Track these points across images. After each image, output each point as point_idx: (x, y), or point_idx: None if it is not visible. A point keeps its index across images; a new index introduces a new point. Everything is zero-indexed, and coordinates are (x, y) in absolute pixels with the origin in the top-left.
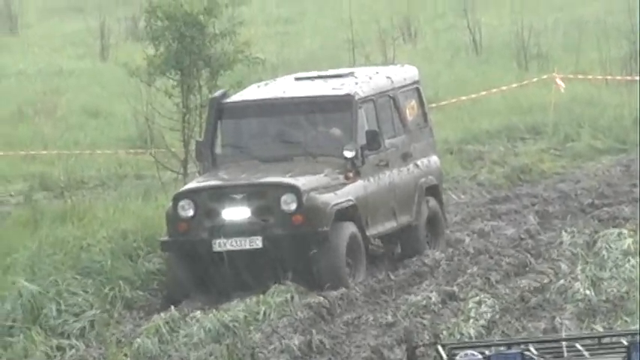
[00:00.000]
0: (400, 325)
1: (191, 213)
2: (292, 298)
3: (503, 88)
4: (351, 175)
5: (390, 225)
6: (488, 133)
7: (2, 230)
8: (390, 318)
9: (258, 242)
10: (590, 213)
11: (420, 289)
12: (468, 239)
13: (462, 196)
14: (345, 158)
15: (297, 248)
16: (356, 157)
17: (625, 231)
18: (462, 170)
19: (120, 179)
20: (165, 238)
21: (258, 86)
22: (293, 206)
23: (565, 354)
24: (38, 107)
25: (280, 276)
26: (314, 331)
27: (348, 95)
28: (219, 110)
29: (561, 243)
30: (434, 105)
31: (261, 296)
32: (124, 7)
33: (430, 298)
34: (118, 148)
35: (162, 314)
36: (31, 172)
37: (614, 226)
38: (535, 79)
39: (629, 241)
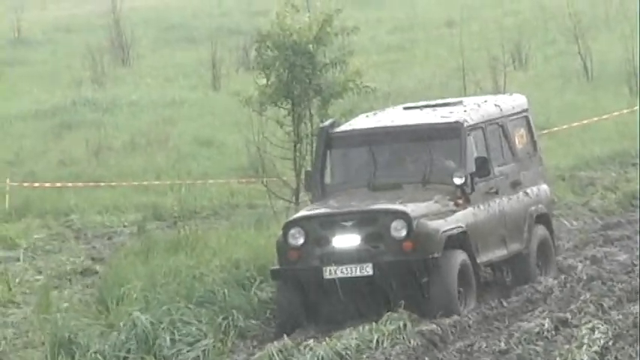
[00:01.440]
0: (513, 352)
1: (301, 241)
2: (405, 325)
3: (615, 113)
4: (460, 201)
5: (500, 253)
6: (600, 159)
7: (116, 261)
8: (503, 345)
9: (368, 269)
10: None
11: (532, 315)
12: (580, 265)
13: (574, 223)
14: (455, 185)
15: (408, 275)
16: (465, 183)
17: None
18: (573, 196)
19: (232, 208)
20: (276, 267)
21: (367, 116)
22: (403, 232)
23: None
24: (151, 137)
25: (392, 303)
26: (427, 358)
27: (457, 122)
28: (328, 140)
29: None
30: (545, 131)
31: (374, 324)
32: (236, 38)
33: (543, 325)
34: (230, 178)
35: (275, 343)
36: (144, 203)
37: None
38: None
39: None
